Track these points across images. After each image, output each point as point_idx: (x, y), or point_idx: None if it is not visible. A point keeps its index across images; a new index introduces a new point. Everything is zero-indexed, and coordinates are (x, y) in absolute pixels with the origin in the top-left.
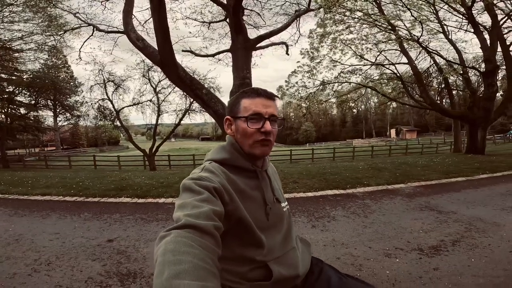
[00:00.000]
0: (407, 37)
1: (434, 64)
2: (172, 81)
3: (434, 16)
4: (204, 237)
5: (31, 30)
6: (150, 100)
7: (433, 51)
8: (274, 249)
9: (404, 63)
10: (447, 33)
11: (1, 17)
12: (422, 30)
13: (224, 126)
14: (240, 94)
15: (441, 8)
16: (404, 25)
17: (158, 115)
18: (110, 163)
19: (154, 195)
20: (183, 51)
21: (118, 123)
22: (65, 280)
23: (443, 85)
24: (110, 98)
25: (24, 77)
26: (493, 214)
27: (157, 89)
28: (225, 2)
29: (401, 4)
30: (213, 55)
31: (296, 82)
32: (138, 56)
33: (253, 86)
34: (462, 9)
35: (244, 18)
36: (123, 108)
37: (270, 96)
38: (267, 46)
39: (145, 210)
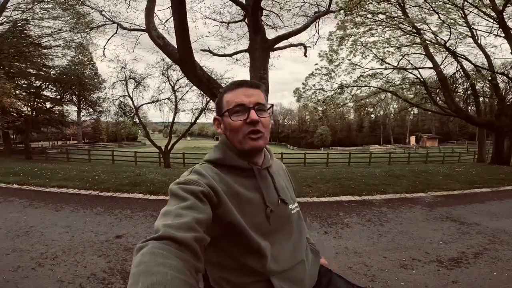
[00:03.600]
0: (433, 40)
1: (461, 70)
2: (190, 79)
3: (463, 20)
4: (182, 250)
5: (59, 27)
6: (168, 98)
7: (461, 56)
8: (281, 260)
9: (428, 68)
10: (476, 37)
11: (32, 13)
12: (450, 33)
13: (214, 126)
14: (223, 90)
15: (471, 12)
16: (430, 28)
17: (175, 113)
18: (127, 158)
19: (166, 192)
20: (201, 50)
21: (137, 120)
22: (68, 275)
23: (469, 92)
24: (131, 95)
25: (52, 72)
26: None
27: (175, 88)
28: (244, 2)
29: (427, 8)
30: (230, 55)
31: (313, 85)
32: (158, 54)
33: (234, 80)
34: (492, 13)
35: (263, 18)
36: (142, 105)
37: (252, 85)
38: (285, 47)
39: (156, 207)
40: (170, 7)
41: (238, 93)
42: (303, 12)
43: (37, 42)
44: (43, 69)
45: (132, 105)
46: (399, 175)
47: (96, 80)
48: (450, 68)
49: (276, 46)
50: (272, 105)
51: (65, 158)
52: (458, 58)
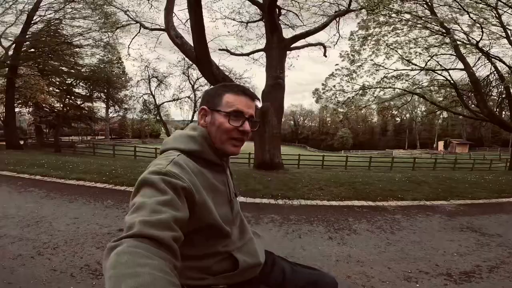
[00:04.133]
0: (464, 41)
1: (495, 72)
2: (206, 78)
3: (497, 20)
4: (161, 249)
5: (89, 27)
6: (188, 97)
7: (495, 57)
8: (235, 240)
9: (459, 69)
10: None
11: (64, 13)
12: (482, 33)
13: (198, 116)
14: (223, 87)
15: (505, 12)
16: (461, 28)
17: (194, 111)
18: (148, 154)
19: None
20: (219, 49)
21: (158, 117)
22: (63, 265)
23: (503, 95)
24: (153, 93)
25: (82, 70)
26: None
27: (195, 86)
28: (261, 1)
29: (457, 7)
30: (247, 54)
31: (334, 86)
32: (179, 54)
33: (237, 83)
34: None
35: (281, 18)
36: (163, 103)
37: (253, 97)
38: (303, 46)
39: None
40: (187, 6)
41: (241, 100)
42: (323, 11)
43: (69, 41)
44: (75, 67)
45: (154, 103)
46: (420, 181)
47: (123, 78)
48: (483, 70)
49: (294, 45)
50: (259, 121)
51: (91, 153)
52: (492, 59)
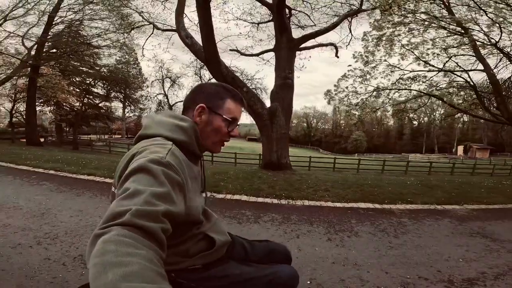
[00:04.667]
0: (484, 41)
1: None
2: (215, 77)
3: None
4: (149, 239)
5: (106, 28)
6: None
7: None
8: (207, 221)
9: (479, 71)
10: None
11: (83, 14)
12: (501, 33)
13: (195, 112)
14: (225, 91)
15: None
16: (481, 28)
17: None
18: None
19: None
20: (230, 50)
21: None
22: (57, 254)
23: None
24: (166, 93)
25: (101, 71)
26: None
27: None
28: (271, 1)
29: (473, 6)
30: (257, 54)
31: (346, 87)
32: (191, 54)
33: (236, 90)
34: None
35: (292, 19)
36: (176, 103)
37: (244, 105)
38: (313, 46)
39: None
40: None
41: (239, 109)
42: (334, 11)
43: (88, 41)
44: (95, 67)
45: (168, 103)
46: (434, 185)
47: (139, 79)
48: (505, 71)
49: (304, 46)
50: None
51: (107, 151)
52: (509, 60)
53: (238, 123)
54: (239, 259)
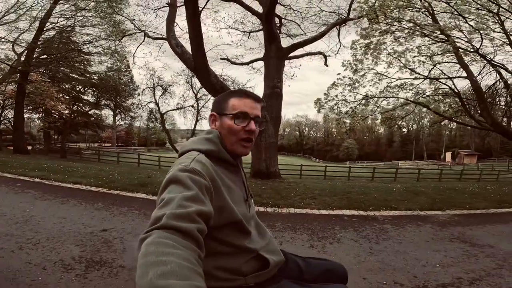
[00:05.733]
0: (464, 47)
1: (500, 80)
2: (205, 86)
3: (500, 26)
4: (186, 239)
5: (98, 35)
6: (192, 106)
7: (499, 65)
8: (257, 240)
9: (462, 77)
10: None
11: (74, 21)
12: (482, 39)
13: (209, 121)
14: (229, 93)
15: (507, 18)
16: (465, 35)
17: (196, 120)
18: (152, 162)
19: None
20: (221, 58)
21: (166, 126)
22: (38, 259)
23: (510, 104)
24: (157, 101)
25: (91, 77)
26: None
27: (198, 95)
28: (261, 11)
29: (456, 14)
30: (247, 63)
31: (336, 96)
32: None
33: (241, 88)
34: None
35: (283, 28)
36: (167, 111)
37: (257, 99)
38: (302, 55)
39: (151, 206)
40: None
41: (245, 102)
42: (324, 20)
43: (79, 48)
44: (86, 74)
45: (158, 111)
46: (419, 191)
47: (131, 86)
48: (489, 78)
49: (293, 54)
50: (266, 121)
51: (96, 159)
52: (497, 67)
53: (257, 117)
54: (292, 278)
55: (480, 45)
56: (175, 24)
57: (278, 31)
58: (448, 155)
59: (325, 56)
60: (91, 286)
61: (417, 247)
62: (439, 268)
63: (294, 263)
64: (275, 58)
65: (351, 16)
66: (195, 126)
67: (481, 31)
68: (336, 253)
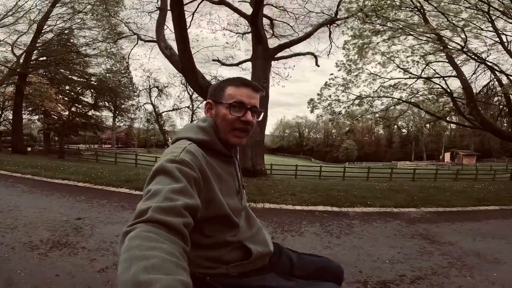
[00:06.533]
0: (455, 47)
1: (494, 79)
2: (193, 87)
3: (490, 25)
4: (171, 233)
5: (95, 37)
6: (188, 107)
7: (483, 61)
8: (244, 230)
9: (453, 76)
10: (506, 43)
11: (71, 24)
12: (466, 37)
13: (204, 109)
14: (226, 81)
15: (497, 17)
16: (450, 34)
17: (191, 121)
18: (149, 162)
19: None
20: (213, 60)
21: (165, 127)
22: (11, 241)
23: (503, 103)
24: (153, 102)
25: (90, 79)
26: (501, 249)
27: (193, 96)
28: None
29: (440, 11)
30: (237, 64)
31: (329, 96)
32: None
33: (239, 76)
34: None
35: (275, 29)
36: (163, 112)
37: (255, 88)
38: (290, 56)
39: (131, 200)
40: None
41: (242, 91)
42: (315, 21)
43: (77, 50)
44: (84, 76)
45: (154, 112)
46: (400, 189)
47: (130, 88)
48: (483, 78)
49: (282, 55)
50: (263, 112)
51: (95, 160)
52: (488, 66)
53: (254, 107)
54: (283, 272)
55: (465, 42)
56: (165, 27)
57: (272, 32)
58: (447, 155)
59: (315, 57)
60: (48, 262)
61: (375, 242)
62: (387, 265)
63: (287, 257)
64: (262, 59)
65: (338, 16)
66: None
67: (465, 29)
68: (293, 245)
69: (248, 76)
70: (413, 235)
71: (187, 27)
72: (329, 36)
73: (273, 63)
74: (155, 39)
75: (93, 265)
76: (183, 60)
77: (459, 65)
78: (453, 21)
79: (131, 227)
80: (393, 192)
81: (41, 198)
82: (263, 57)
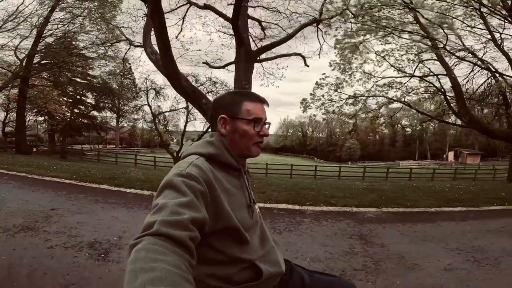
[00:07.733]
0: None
1: (492, 77)
2: (177, 91)
3: (482, 23)
4: (177, 247)
5: (92, 41)
6: (185, 108)
7: (486, 62)
8: (258, 247)
9: (442, 74)
10: (499, 41)
11: (69, 28)
12: (447, 37)
13: (218, 124)
14: (240, 95)
15: (488, 14)
16: (427, 31)
17: (186, 122)
18: (148, 162)
19: (130, 186)
20: (203, 63)
21: (169, 127)
22: None
23: (500, 101)
24: (150, 104)
25: (92, 81)
26: (429, 254)
27: None
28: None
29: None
30: (223, 67)
31: (322, 95)
32: None
33: (250, 91)
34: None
35: (266, 31)
36: (160, 113)
37: (267, 103)
38: (276, 57)
39: (108, 195)
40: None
41: (259, 107)
42: (306, 19)
43: (78, 53)
44: (87, 78)
45: (151, 114)
46: (375, 189)
47: (133, 89)
48: (480, 77)
49: (268, 57)
50: (269, 123)
51: (97, 160)
52: (484, 64)
53: (266, 121)
54: None
55: (447, 40)
56: (152, 33)
57: (263, 34)
58: (451, 155)
59: (303, 57)
60: (12, 240)
61: (311, 240)
62: (306, 262)
63: (299, 277)
64: (244, 62)
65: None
66: (185, 127)
67: (443, 26)
68: None
69: (231, 77)
70: (352, 235)
71: (179, 32)
72: (317, 36)
73: (267, 63)
74: (141, 44)
75: (46, 244)
76: (165, 65)
77: (455, 64)
78: (445, 19)
79: (138, 239)
80: (367, 191)
81: (28, 193)
82: (245, 59)
